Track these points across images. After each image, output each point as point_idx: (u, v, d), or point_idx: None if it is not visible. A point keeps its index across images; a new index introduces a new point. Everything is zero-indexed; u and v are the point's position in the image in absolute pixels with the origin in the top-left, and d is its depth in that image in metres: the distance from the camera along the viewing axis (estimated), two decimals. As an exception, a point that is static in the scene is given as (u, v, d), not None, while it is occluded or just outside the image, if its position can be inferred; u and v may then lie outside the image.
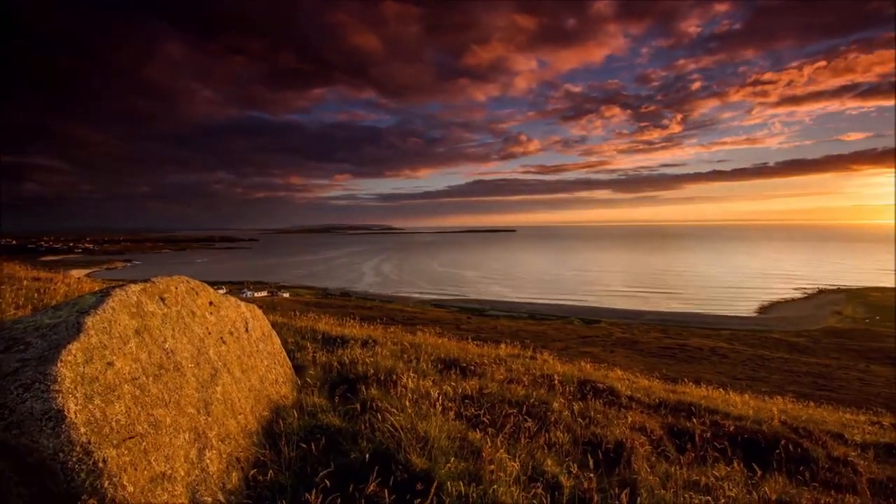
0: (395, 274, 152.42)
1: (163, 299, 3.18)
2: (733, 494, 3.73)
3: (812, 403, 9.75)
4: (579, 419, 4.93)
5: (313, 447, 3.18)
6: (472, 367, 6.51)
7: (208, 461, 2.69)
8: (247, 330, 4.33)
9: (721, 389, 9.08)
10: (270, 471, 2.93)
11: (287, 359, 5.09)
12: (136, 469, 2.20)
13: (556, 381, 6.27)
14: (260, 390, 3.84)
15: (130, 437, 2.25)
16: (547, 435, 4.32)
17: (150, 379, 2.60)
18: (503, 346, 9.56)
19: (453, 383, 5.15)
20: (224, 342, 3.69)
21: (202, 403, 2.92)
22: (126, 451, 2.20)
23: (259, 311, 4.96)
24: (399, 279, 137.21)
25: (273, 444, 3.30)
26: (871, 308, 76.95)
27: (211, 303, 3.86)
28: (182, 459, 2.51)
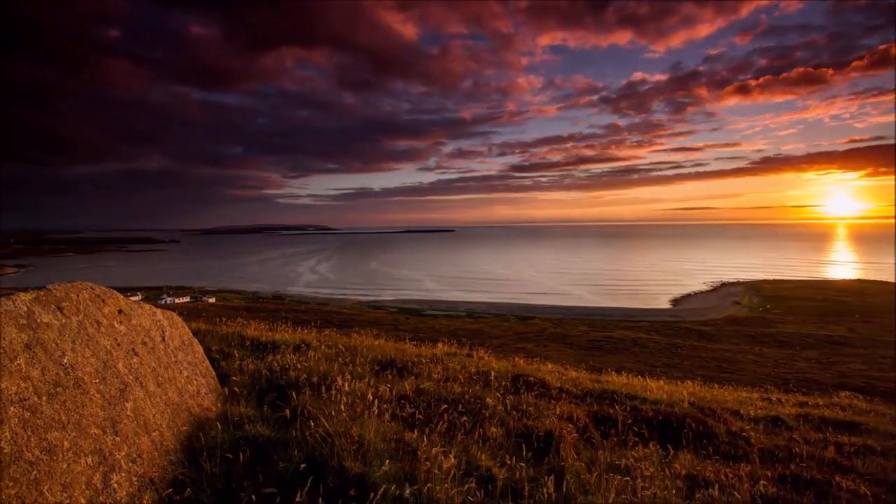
0: (332, 275, 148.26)
1: (60, 308, 2.85)
2: (649, 473, 4.07)
3: (716, 385, 10.86)
4: (513, 412, 5.11)
5: (239, 460, 3.02)
6: (409, 367, 6.51)
7: (116, 485, 2.46)
8: (163, 339, 4.01)
9: (640, 377, 9.82)
10: (189, 489, 2.74)
11: (210, 368, 4.78)
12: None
13: (492, 377, 6.45)
14: (179, 403, 3.58)
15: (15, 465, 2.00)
16: (482, 430, 4.44)
17: (44, 399, 2.32)
18: (441, 345, 9.66)
19: (389, 384, 5.12)
20: (136, 354, 3.39)
21: (109, 422, 2.66)
22: (11, 484, 1.95)
23: (178, 319, 4.61)
24: (336, 280, 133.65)
25: (194, 461, 3.09)
26: (764, 298, 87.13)
27: (120, 311, 3.53)
28: (83, 486, 2.27)
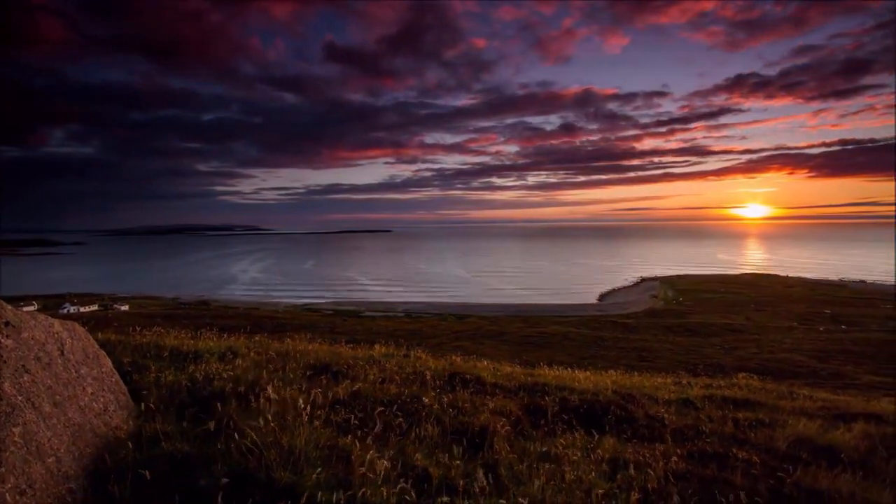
0: (264, 277, 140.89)
1: (-74, 323, 2.46)
2: (576, 459, 4.32)
3: (636, 373, 11.73)
4: (449, 410, 5.18)
5: (153, 481, 2.79)
6: (345, 371, 6.38)
7: (1, 521, 2.18)
8: (63, 353, 3.60)
9: (570, 369, 10.38)
10: (93, 517, 2.49)
11: (121, 383, 4.36)
12: None
13: (429, 377, 6.49)
14: (81, 424, 3.23)
15: None
16: (418, 429, 4.45)
17: None
18: (378, 346, 9.55)
19: (323, 389, 4.98)
20: (28, 371, 3.01)
21: (-8, 450, 2.34)
22: None
23: (81, 329, 4.16)
24: (268, 283, 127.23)
25: (100, 486, 2.81)
26: (678, 291, 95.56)
27: (7, 323, 3.12)
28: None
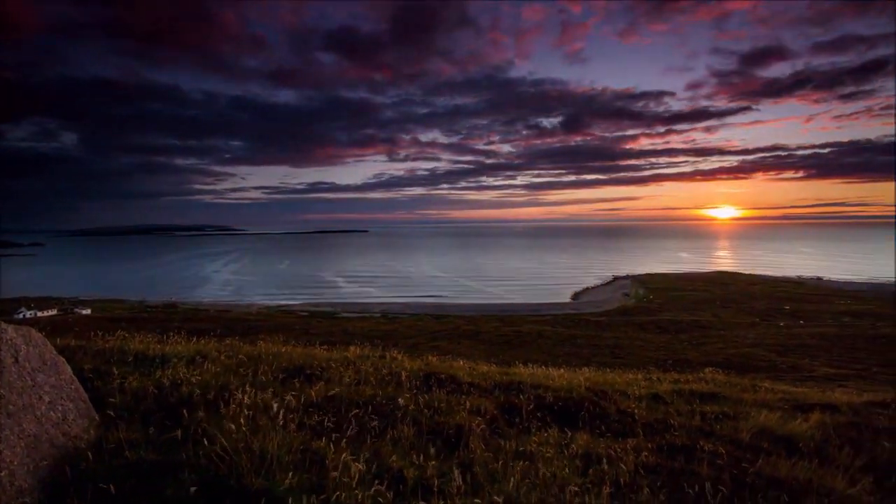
0: (236, 279, 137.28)
1: None
2: (550, 455, 4.39)
3: (609, 370, 11.99)
4: (425, 410, 5.17)
5: (117, 492, 2.68)
6: (319, 373, 6.29)
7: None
8: (17, 361, 3.42)
9: (545, 367, 10.52)
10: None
11: (81, 390, 4.17)
12: None
13: (404, 378, 6.46)
14: (38, 435, 3.08)
15: None
16: (393, 431, 4.44)
17: None
18: (353, 348, 9.45)
19: (296, 392, 4.90)
20: (-23, 380, 2.85)
21: (-62, 464, 2.21)
22: None
23: (38, 335, 3.96)
24: (241, 285, 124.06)
25: (58, 499, 2.68)
26: (649, 290, 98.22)
27: (-46, 330, 2.94)
28: None
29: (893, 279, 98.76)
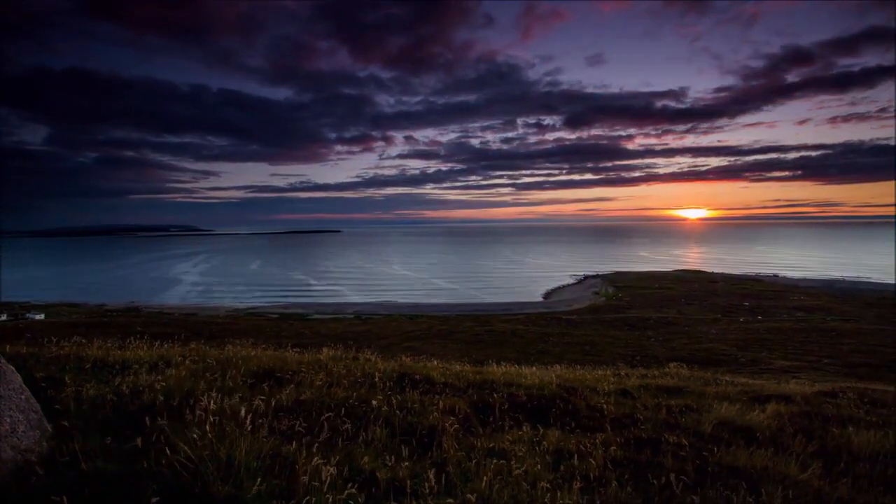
0: (204, 281, 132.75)
1: None
2: (522, 453, 4.45)
3: (579, 367, 12.28)
4: (398, 411, 5.15)
5: (71, 505, 2.55)
6: (290, 377, 6.17)
7: None
8: (-41, 370, 3.21)
9: (517, 365, 10.67)
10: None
11: (33, 400, 3.94)
12: None
13: (378, 379, 6.42)
14: (-16, 448, 2.89)
15: None
16: (366, 433, 4.40)
17: None
18: (326, 350, 9.32)
19: (266, 396, 4.79)
20: (-86, 392, 2.66)
21: None
22: None
23: (-17, 343, 3.73)
24: (208, 286, 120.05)
25: (6, 516, 2.53)
26: (618, 288, 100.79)
27: None
28: None
29: (842, 275, 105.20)
